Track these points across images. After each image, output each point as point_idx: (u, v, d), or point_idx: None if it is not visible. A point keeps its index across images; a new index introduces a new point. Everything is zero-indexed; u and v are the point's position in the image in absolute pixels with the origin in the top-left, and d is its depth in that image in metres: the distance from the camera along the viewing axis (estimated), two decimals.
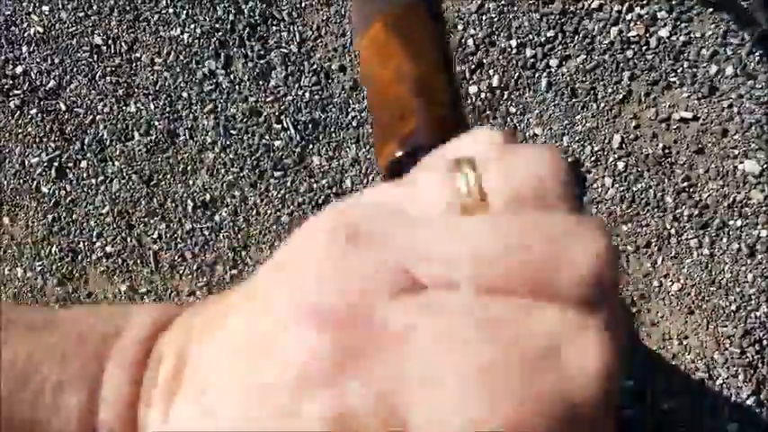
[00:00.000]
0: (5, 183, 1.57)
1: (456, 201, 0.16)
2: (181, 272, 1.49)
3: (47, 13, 1.48)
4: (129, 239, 1.52)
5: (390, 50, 0.27)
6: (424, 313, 0.14)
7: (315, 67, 1.31)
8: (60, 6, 1.46)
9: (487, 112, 1.22)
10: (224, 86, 1.38)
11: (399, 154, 0.26)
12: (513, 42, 1.18)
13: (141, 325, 0.21)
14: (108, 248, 1.54)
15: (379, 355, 0.14)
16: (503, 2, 1.18)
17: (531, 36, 1.17)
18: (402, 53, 0.27)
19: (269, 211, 1.39)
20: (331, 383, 0.15)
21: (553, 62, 1.17)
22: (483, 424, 0.13)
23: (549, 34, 1.16)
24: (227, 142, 1.39)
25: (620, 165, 1.16)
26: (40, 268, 1.61)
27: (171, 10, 1.39)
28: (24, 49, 1.52)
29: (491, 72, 1.21)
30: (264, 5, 1.33)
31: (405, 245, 0.16)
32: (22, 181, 1.56)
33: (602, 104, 1.15)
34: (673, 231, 1.15)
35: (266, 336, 0.16)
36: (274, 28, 1.33)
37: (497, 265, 0.14)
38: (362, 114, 1.29)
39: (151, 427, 0.19)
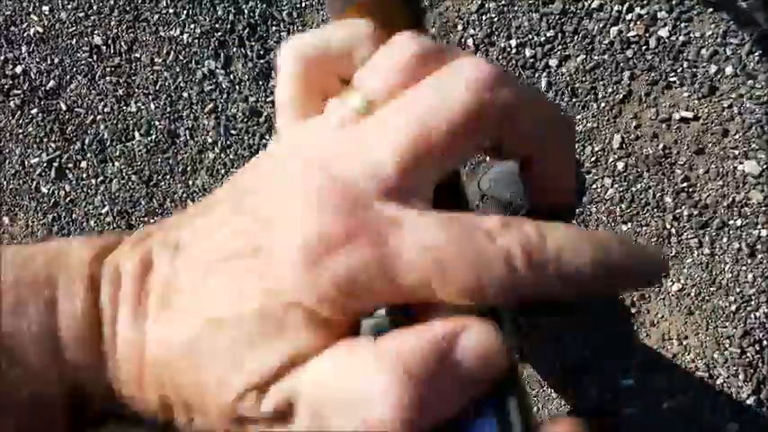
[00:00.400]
0: (5, 183, 1.57)
1: (353, 117, 0.20)
2: None
3: (47, 13, 1.48)
4: None
5: None
6: (404, 208, 0.18)
7: None
8: (60, 6, 1.46)
9: None
10: (224, 86, 1.38)
11: None
12: (513, 42, 1.18)
13: (83, 248, 0.21)
14: None
15: (377, 234, 0.18)
16: (503, 2, 1.18)
17: (530, 36, 1.17)
18: None
19: None
20: (337, 254, 0.18)
21: (553, 62, 1.17)
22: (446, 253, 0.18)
23: (548, 34, 1.16)
24: (228, 142, 1.39)
25: (620, 165, 1.16)
26: None
27: (171, 10, 1.39)
28: (24, 48, 1.52)
29: None
30: (264, 5, 1.33)
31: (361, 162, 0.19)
32: (21, 181, 1.56)
33: (602, 104, 1.15)
34: (673, 231, 1.15)
35: (262, 228, 0.19)
36: (274, 28, 1.33)
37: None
38: None
39: (120, 339, 0.20)
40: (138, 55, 1.44)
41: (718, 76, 1.09)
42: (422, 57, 0.20)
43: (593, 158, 1.17)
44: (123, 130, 1.47)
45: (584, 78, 1.16)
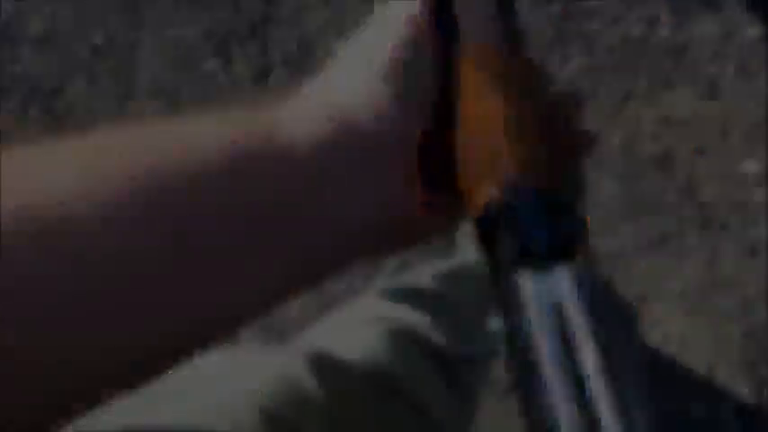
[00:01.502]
0: None
1: None
2: None
3: (47, 13, 1.48)
4: None
5: (484, 90, 0.28)
6: None
7: (315, 66, 1.31)
8: (60, 6, 1.47)
9: None
10: (224, 86, 1.38)
11: (497, 194, 0.25)
12: None
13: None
14: None
15: None
16: None
17: (531, 36, 1.17)
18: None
19: None
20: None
21: (553, 62, 1.17)
22: None
23: (549, 34, 1.16)
24: None
25: (620, 165, 1.16)
26: None
27: (171, 10, 1.39)
28: (24, 48, 1.52)
29: None
30: (264, 5, 1.33)
31: None
32: None
33: (603, 104, 1.16)
34: (673, 231, 1.15)
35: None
36: (274, 28, 1.33)
37: None
38: None
39: None
40: (138, 55, 1.44)
41: (719, 76, 1.09)
42: None
43: (593, 158, 1.17)
44: None
45: (584, 78, 1.16)
